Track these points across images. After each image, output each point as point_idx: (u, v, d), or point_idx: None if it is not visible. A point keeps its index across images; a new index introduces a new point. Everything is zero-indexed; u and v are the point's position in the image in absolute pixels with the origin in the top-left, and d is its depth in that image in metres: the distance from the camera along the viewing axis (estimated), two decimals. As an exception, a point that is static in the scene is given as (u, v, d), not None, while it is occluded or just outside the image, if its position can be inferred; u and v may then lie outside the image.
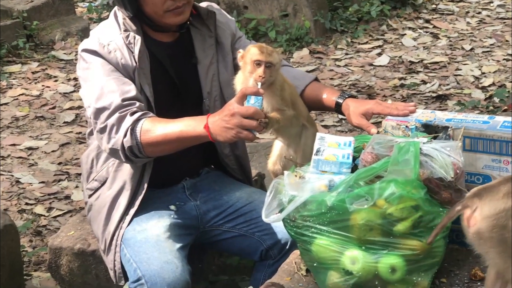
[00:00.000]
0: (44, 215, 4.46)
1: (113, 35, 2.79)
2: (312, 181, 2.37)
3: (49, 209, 4.54)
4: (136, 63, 2.75)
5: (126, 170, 2.82)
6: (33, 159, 5.19)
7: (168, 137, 2.63)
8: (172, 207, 2.87)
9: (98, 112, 2.71)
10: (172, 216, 2.83)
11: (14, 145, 5.41)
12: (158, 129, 2.63)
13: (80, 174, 4.71)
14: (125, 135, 2.65)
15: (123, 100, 2.68)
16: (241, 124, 2.47)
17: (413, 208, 2.22)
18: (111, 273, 2.89)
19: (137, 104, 2.70)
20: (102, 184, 2.93)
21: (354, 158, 2.45)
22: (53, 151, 5.30)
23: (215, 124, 2.53)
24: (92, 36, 2.83)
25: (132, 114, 2.66)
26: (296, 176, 2.41)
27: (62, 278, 3.25)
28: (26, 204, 4.59)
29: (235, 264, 3.16)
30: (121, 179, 2.85)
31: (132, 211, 2.83)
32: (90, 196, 2.98)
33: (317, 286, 2.38)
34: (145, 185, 2.81)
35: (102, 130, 2.70)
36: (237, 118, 2.47)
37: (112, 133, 2.67)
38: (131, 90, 2.71)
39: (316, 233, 2.28)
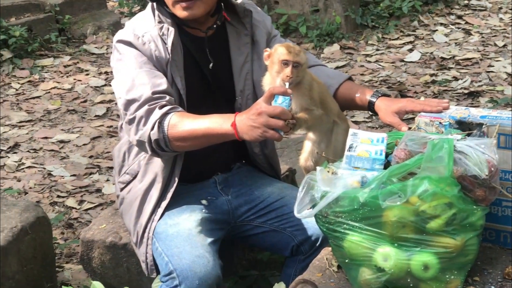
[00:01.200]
0: (75, 208, 4.50)
1: (148, 27, 2.80)
2: (344, 177, 2.36)
3: (81, 202, 4.58)
4: (169, 54, 2.75)
5: (157, 163, 2.83)
6: (64, 152, 5.24)
7: (195, 133, 2.63)
8: (204, 201, 2.88)
9: (128, 103, 2.72)
10: (203, 210, 2.84)
11: (46, 138, 5.46)
12: (185, 124, 2.63)
13: (111, 168, 4.76)
14: (152, 128, 2.65)
15: (154, 93, 2.69)
16: (268, 123, 2.46)
17: (447, 206, 2.20)
18: (143, 266, 2.91)
19: (167, 98, 2.70)
20: (134, 177, 2.94)
21: (387, 155, 2.44)
22: (84, 144, 5.34)
23: (242, 122, 2.52)
24: (127, 27, 2.84)
25: (161, 107, 2.67)
26: (328, 172, 2.41)
27: (93, 271, 3.28)
28: (58, 196, 4.64)
29: (266, 259, 3.16)
30: (152, 172, 2.86)
31: (164, 204, 2.85)
32: (122, 189, 3.00)
33: (349, 283, 2.37)
34: (176, 179, 2.82)
35: (130, 122, 2.71)
36: (264, 117, 2.46)
37: (140, 125, 2.69)
38: (162, 83, 2.72)
39: (348, 230, 2.27)
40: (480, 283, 2.33)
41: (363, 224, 2.25)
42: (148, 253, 2.86)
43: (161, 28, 2.78)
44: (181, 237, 2.73)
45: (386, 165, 2.40)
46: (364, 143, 2.45)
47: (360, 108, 2.92)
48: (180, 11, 2.77)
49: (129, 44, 2.78)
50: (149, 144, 2.68)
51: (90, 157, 5.12)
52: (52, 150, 5.27)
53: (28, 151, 5.26)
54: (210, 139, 2.65)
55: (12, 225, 3.31)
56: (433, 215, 2.20)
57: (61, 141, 5.41)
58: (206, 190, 2.94)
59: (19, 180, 4.82)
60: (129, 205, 2.95)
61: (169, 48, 2.75)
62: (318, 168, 2.39)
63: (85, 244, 3.24)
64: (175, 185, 2.84)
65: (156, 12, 2.82)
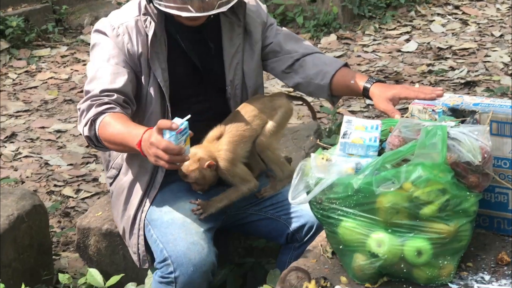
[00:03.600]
0: (72, 197, 4.51)
1: (126, 18, 2.81)
2: (338, 163, 2.37)
3: (77, 191, 4.59)
4: (147, 47, 2.75)
5: (140, 156, 2.84)
6: (61, 142, 5.24)
7: (114, 138, 2.65)
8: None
9: (84, 93, 2.78)
10: (198, 199, 2.85)
11: (43, 127, 5.47)
12: (112, 127, 2.64)
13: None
14: (86, 124, 2.70)
15: (102, 91, 2.71)
16: (156, 154, 2.46)
17: (440, 192, 2.21)
18: (134, 257, 2.91)
19: (115, 96, 2.71)
20: (119, 171, 2.96)
21: (381, 142, 2.45)
22: (81, 134, 5.33)
23: (143, 145, 2.53)
24: (107, 18, 2.87)
25: (100, 105, 2.69)
26: (322, 158, 2.42)
27: (90, 258, 3.29)
28: (55, 186, 4.65)
29: (262, 246, 3.17)
30: (136, 165, 2.87)
31: (152, 193, 2.85)
32: (111, 184, 3.01)
33: (343, 269, 2.39)
34: (163, 169, 2.82)
35: (79, 112, 2.76)
36: (153, 148, 2.46)
37: (81, 118, 2.74)
38: (119, 81, 2.73)
39: (343, 216, 2.28)
40: (473, 268, 2.35)
41: (357, 210, 2.26)
42: (140, 244, 2.86)
43: (145, 20, 2.77)
44: (176, 225, 2.75)
45: (380, 152, 2.41)
46: (358, 130, 2.46)
47: (355, 94, 2.93)
48: (186, 21, 2.76)
49: (103, 34, 2.81)
50: (85, 138, 2.75)
51: (87, 146, 5.13)
52: (49, 140, 5.28)
53: (25, 140, 5.27)
54: (127, 150, 2.69)
55: (8, 213, 3.32)
56: (427, 201, 2.21)
57: (58, 131, 5.41)
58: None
59: (16, 170, 4.83)
60: (116, 198, 2.96)
61: (150, 41, 2.74)
62: (312, 154, 2.40)
63: (81, 231, 3.26)
64: (163, 174, 2.84)
65: (143, 3, 2.81)
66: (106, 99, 2.70)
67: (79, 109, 2.74)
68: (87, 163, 4.90)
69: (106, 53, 2.77)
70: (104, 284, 3.20)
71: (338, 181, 2.28)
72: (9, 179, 4.62)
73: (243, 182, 2.85)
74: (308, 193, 2.31)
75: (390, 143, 2.39)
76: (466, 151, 2.27)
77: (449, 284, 2.28)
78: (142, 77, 2.79)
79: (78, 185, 4.66)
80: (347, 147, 2.43)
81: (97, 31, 2.83)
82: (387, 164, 2.27)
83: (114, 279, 3.18)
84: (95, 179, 4.71)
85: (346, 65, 3.00)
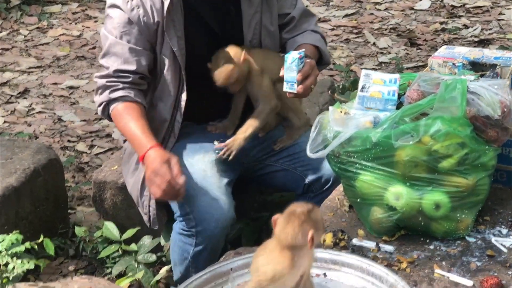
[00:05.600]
0: (86, 152, 4.53)
1: None
2: (357, 117, 2.37)
3: (91, 146, 4.60)
4: (163, 17, 2.73)
5: (155, 111, 2.86)
6: (74, 98, 5.24)
7: (124, 133, 2.82)
8: (216, 142, 2.89)
9: (101, 66, 2.85)
10: (217, 151, 2.85)
11: (55, 84, 5.46)
12: (123, 121, 2.76)
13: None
14: (100, 105, 2.81)
15: (117, 71, 2.76)
16: (157, 183, 2.58)
17: (459, 146, 2.21)
18: (145, 218, 2.89)
19: (130, 78, 2.76)
20: None
21: (399, 96, 2.45)
22: (93, 90, 5.33)
23: (148, 163, 2.62)
24: None
25: (113, 91, 2.76)
26: (341, 112, 2.41)
27: (105, 212, 3.31)
28: (68, 141, 4.66)
29: (277, 200, 3.18)
30: (150, 121, 2.86)
31: (168, 148, 2.84)
32: (124, 141, 3.01)
33: (360, 222, 2.40)
34: (180, 120, 2.85)
35: (96, 84, 2.84)
36: (159, 178, 2.57)
37: (96, 93, 2.84)
38: (134, 62, 2.76)
39: (361, 169, 2.29)
40: (490, 222, 2.36)
41: (375, 163, 2.26)
42: (151, 207, 2.84)
43: None
44: (197, 179, 2.74)
45: (399, 106, 2.41)
46: (377, 83, 2.45)
47: None
48: None
49: (117, 8, 2.78)
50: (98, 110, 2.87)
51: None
52: (61, 96, 5.28)
53: (38, 96, 5.27)
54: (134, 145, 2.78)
55: (24, 167, 3.34)
56: (446, 155, 2.21)
57: (71, 87, 5.41)
58: (219, 132, 2.94)
59: (29, 125, 4.84)
60: (128, 156, 2.96)
61: (165, 10, 2.72)
62: (330, 108, 2.40)
63: (97, 185, 3.27)
64: (179, 125, 2.85)
65: None
66: (120, 85, 2.76)
67: (96, 82, 2.83)
68: (100, 119, 4.90)
69: (119, 29, 2.76)
70: (120, 237, 3.23)
71: (356, 135, 2.28)
72: (23, 133, 4.63)
73: (267, 99, 2.85)
74: (326, 146, 2.31)
75: (409, 97, 2.38)
76: (486, 105, 2.27)
77: (466, 237, 2.30)
78: (157, 47, 2.77)
79: (92, 140, 4.67)
80: (365, 100, 2.42)
81: (111, 5, 2.80)
82: (405, 117, 2.26)
83: (129, 232, 3.21)
84: (108, 135, 4.71)
85: (317, 47, 2.95)
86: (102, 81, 2.79)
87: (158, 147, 2.66)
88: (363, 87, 2.44)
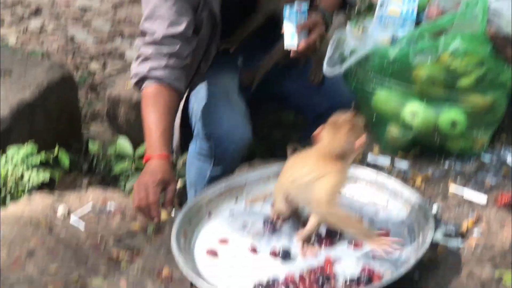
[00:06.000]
0: (98, 72, 4.51)
1: None
2: (375, 34, 2.34)
3: (104, 66, 4.59)
4: None
5: None
6: (87, 18, 5.20)
7: (144, 121, 2.48)
8: (239, 61, 2.87)
9: (143, 31, 2.56)
10: (238, 70, 2.84)
11: (68, 3, 5.42)
12: (148, 106, 2.47)
13: (134, 34, 4.76)
14: (136, 75, 2.52)
15: (165, 36, 2.51)
16: (140, 196, 2.28)
17: (478, 64, 2.19)
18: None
19: (177, 46, 2.51)
20: None
21: (418, 14, 2.41)
22: (106, 10, 5.30)
23: (145, 173, 2.34)
24: None
25: (155, 69, 2.48)
26: (358, 29, 2.39)
27: (119, 128, 3.32)
28: (81, 61, 4.64)
29: (290, 120, 3.17)
30: None
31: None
32: None
33: (374, 141, 2.40)
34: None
35: (138, 51, 2.58)
36: (143, 191, 2.27)
37: (138, 60, 2.54)
38: (181, 23, 2.53)
39: (378, 86, 2.27)
40: (506, 142, 2.35)
41: (392, 80, 2.25)
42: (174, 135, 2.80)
43: None
44: (220, 101, 2.71)
45: (417, 24, 2.38)
46: (395, 1, 2.41)
47: None
48: None
49: None
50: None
51: (113, 23, 5.09)
52: (74, 16, 5.24)
53: (50, 16, 5.23)
54: None
55: (38, 82, 3.33)
56: (464, 73, 2.19)
57: (83, 8, 5.36)
58: (241, 55, 2.91)
59: (42, 43, 4.82)
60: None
61: None
62: (348, 24, 2.37)
63: (111, 101, 3.28)
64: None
65: None
66: (164, 62, 2.49)
67: (138, 47, 2.55)
68: (113, 39, 4.88)
69: None
70: (133, 153, 3.24)
71: (374, 51, 2.26)
72: (36, 52, 4.61)
73: None
74: (343, 61, 2.29)
75: (428, 14, 2.35)
76: (506, 23, 2.24)
77: (481, 155, 2.30)
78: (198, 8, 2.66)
79: (104, 60, 4.65)
80: (384, 18, 2.39)
81: None
82: (424, 35, 2.24)
83: (143, 148, 3.21)
84: (121, 55, 4.69)
85: None
86: (147, 50, 2.51)
87: (166, 160, 2.38)
88: (381, 5, 2.40)
